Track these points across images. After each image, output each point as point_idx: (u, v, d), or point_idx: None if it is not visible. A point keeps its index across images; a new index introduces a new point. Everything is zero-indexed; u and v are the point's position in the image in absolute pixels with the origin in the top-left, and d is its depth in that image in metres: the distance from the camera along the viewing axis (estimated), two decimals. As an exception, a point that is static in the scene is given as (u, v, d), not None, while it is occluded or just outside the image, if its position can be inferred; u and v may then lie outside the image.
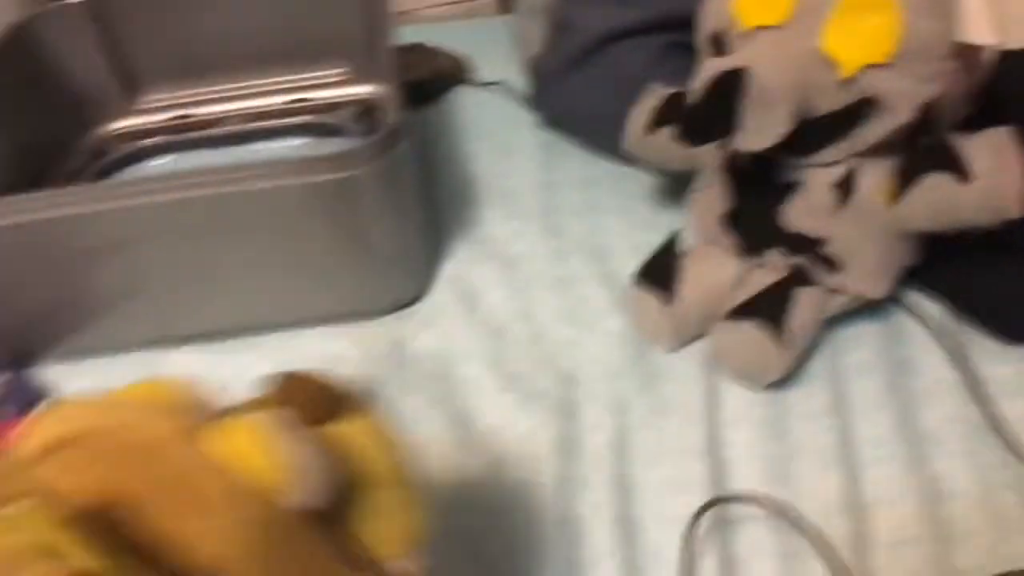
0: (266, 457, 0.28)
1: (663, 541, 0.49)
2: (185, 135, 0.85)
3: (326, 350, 0.62)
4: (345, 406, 0.34)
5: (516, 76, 0.88)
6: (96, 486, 0.27)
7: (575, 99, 0.75)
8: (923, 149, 0.50)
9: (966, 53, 0.49)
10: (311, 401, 0.33)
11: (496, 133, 0.84)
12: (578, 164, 0.78)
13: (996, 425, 0.53)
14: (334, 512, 0.31)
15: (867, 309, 0.60)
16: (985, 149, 0.48)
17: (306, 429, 0.30)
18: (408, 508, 0.33)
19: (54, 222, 0.55)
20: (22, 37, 0.79)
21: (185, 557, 0.26)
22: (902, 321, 0.60)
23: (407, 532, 0.33)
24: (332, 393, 0.34)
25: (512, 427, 0.57)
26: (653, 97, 0.63)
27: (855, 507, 0.50)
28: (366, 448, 0.32)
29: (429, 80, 0.90)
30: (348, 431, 0.33)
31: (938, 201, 0.49)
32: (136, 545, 0.25)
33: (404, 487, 0.33)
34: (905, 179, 0.50)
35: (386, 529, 0.32)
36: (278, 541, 0.28)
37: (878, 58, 0.47)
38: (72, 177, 0.80)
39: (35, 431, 0.29)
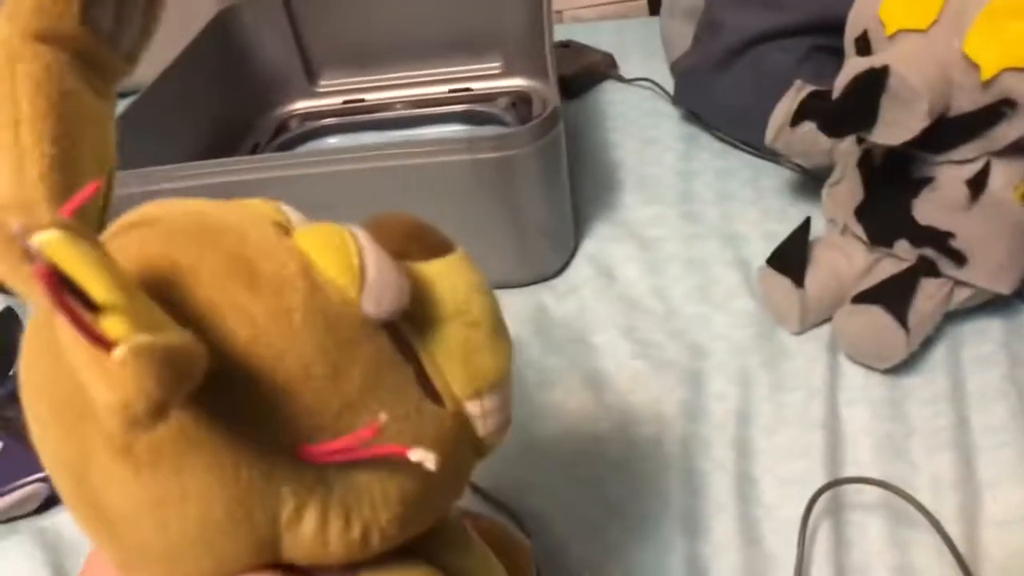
0: (341, 257, 0.27)
1: (778, 501, 0.53)
2: (356, 118, 0.94)
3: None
4: (439, 246, 0.32)
5: (661, 74, 0.93)
6: (159, 257, 0.26)
7: (720, 95, 0.80)
8: (1057, 151, 0.52)
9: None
10: (404, 236, 0.31)
11: (639, 125, 0.89)
12: (715, 155, 0.83)
13: (1118, 424, 0.54)
14: (413, 341, 0.29)
15: (991, 304, 0.62)
16: (1119, 152, 0.50)
17: (387, 251, 0.29)
18: (492, 350, 0.31)
19: (241, 184, 0.64)
20: (222, 24, 0.90)
21: (226, 333, 0.25)
22: (1027, 319, 0.62)
23: (489, 372, 0.31)
24: (426, 232, 0.33)
25: (643, 390, 0.62)
26: (797, 92, 0.67)
27: (966, 486, 0.53)
28: (456, 285, 0.31)
29: (580, 75, 0.96)
30: (438, 267, 0.31)
31: (1069, 200, 0.52)
32: (183, 317, 0.23)
33: (490, 328, 0.32)
34: (1038, 178, 0.53)
35: (468, 367, 0.30)
36: (340, 341, 0.26)
37: (1017, 62, 0.49)
38: (255, 151, 0.90)
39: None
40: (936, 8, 0.52)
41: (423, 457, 0.26)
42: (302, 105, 0.96)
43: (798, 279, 0.61)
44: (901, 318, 0.56)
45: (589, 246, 0.75)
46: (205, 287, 0.25)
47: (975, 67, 0.50)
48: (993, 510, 0.51)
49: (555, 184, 0.69)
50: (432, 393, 0.30)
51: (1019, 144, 0.53)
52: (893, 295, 0.57)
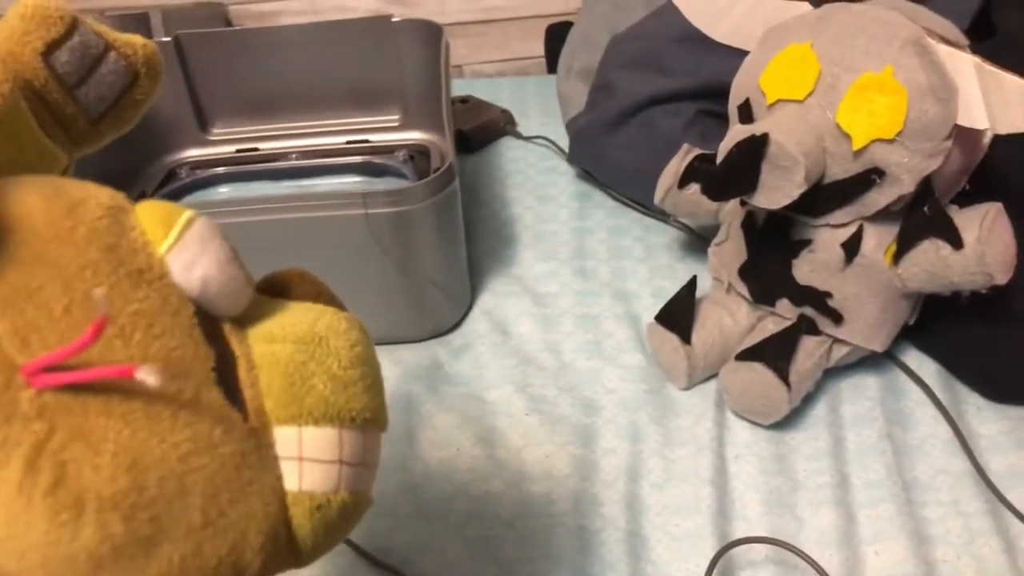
0: (163, 216, 0.28)
1: (669, 558, 0.54)
2: (249, 167, 0.92)
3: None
4: (326, 298, 0.33)
5: (559, 131, 0.94)
6: None
7: (612, 155, 0.82)
8: (922, 217, 0.55)
9: (966, 135, 0.54)
10: (288, 279, 0.32)
11: (536, 182, 0.90)
12: (608, 213, 0.84)
13: (983, 477, 0.57)
14: (231, 336, 0.29)
15: (869, 362, 0.65)
16: (976, 221, 0.53)
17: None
18: (333, 389, 0.29)
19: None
20: (111, 68, 0.87)
21: (12, 217, 0.26)
22: (900, 376, 0.65)
23: (316, 406, 0.29)
24: (316, 284, 0.33)
25: (535, 447, 0.62)
26: (684, 155, 0.69)
27: (850, 541, 0.54)
28: (318, 321, 0.30)
29: (478, 130, 0.97)
30: (308, 305, 0.31)
31: (933, 264, 0.54)
32: None
33: (342, 372, 0.30)
34: (905, 242, 0.55)
35: (292, 387, 0.29)
36: (123, 271, 0.27)
37: (885, 134, 0.52)
38: (141, 199, 0.87)
39: None
40: (811, 80, 0.55)
41: (148, 375, 0.24)
42: (193, 153, 0.94)
43: (685, 336, 0.63)
44: (783, 375, 0.58)
45: (485, 301, 0.75)
46: (7, 194, 0.26)
47: (847, 137, 0.53)
48: (875, 564, 0.53)
49: (451, 239, 0.69)
50: (233, 396, 0.28)
51: (889, 210, 0.56)
52: (775, 352, 0.59)
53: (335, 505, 0.29)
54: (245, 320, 0.31)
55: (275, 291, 0.33)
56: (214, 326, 0.29)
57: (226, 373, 0.28)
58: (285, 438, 0.29)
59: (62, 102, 0.28)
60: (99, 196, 0.28)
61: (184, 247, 0.28)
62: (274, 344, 0.29)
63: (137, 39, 0.32)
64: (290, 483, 0.29)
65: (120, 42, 0.30)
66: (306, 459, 0.29)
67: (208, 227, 0.29)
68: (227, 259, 0.29)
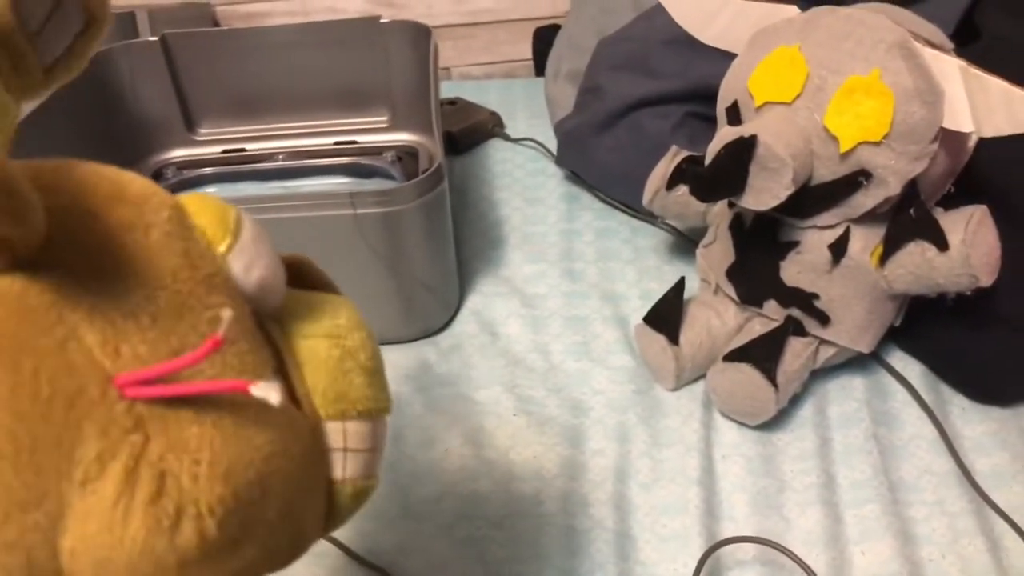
0: (217, 214, 0.28)
1: (657, 558, 0.54)
2: (236, 167, 0.91)
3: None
4: (328, 286, 0.34)
5: (546, 133, 0.95)
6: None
7: (600, 157, 0.82)
8: (909, 219, 0.55)
9: (951, 138, 0.55)
10: (295, 266, 0.32)
11: (524, 183, 0.90)
12: (596, 215, 0.85)
13: (968, 478, 0.58)
14: (277, 338, 0.29)
15: (855, 364, 0.65)
16: (961, 223, 0.54)
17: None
18: (367, 383, 0.31)
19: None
20: (97, 67, 0.86)
21: (79, 226, 0.25)
22: (886, 377, 0.66)
23: (359, 400, 0.30)
24: (318, 273, 0.34)
25: (523, 447, 0.62)
26: (672, 157, 0.70)
27: (836, 540, 0.55)
28: (338, 314, 0.31)
29: (466, 132, 0.97)
30: (322, 296, 0.32)
31: (919, 266, 0.55)
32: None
33: (367, 363, 0.31)
34: (891, 244, 0.56)
35: (336, 383, 0.30)
36: (198, 275, 0.26)
37: (872, 137, 0.53)
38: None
39: None
40: (800, 83, 0.55)
41: (267, 393, 0.24)
42: (180, 153, 0.93)
43: (673, 337, 0.63)
44: (770, 375, 0.58)
45: (473, 302, 0.75)
46: (72, 192, 0.25)
47: (834, 139, 0.54)
48: (862, 563, 0.53)
49: (439, 240, 0.69)
50: (291, 394, 0.29)
51: (875, 212, 0.56)
52: (762, 353, 0.59)
53: (368, 488, 0.31)
54: (277, 315, 0.30)
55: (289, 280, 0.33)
56: (262, 324, 0.29)
57: (281, 372, 0.29)
58: (333, 432, 0.30)
59: (24, 50, 0.27)
60: (155, 191, 0.27)
61: (242, 249, 0.28)
62: (310, 339, 0.30)
63: None
64: (336, 472, 0.30)
65: None
66: (349, 450, 0.30)
67: (256, 225, 0.29)
68: (276, 257, 0.29)
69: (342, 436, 0.30)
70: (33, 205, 0.22)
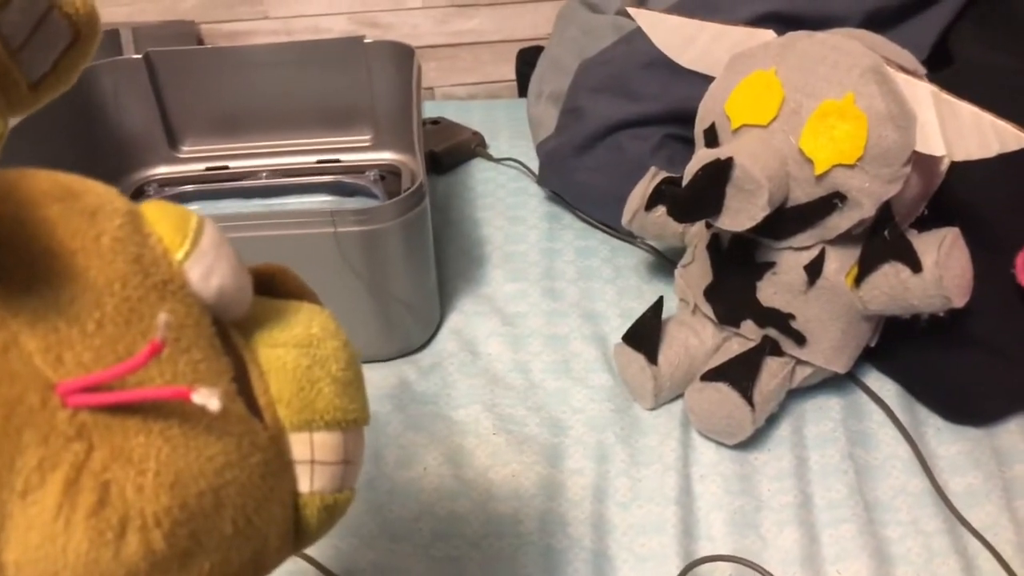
0: (175, 221, 0.27)
1: (633, 577, 0.54)
2: (218, 185, 0.91)
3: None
4: (306, 295, 0.33)
5: (529, 154, 0.95)
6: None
7: (581, 177, 0.83)
8: (883, 241, 0.56)
9: (924, 161, 0.56)
10: (271, 274, 0.32)
11: (506, 203, 0.91)
12: (577, 235, 0.85)
13: (942, 497, 0.58)
14: (240, 346, 0.29)
15: (831, 384, 0.66)
16: (935, 245, 0.55)
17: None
18: (336, 392, 0.30)
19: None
20: (81, 83, 0.86)
21: (26, 230, 0.25)
22: (862, 397, 0.66)
23: (326, 410, 0.30)
24: (297, 281, 0.33)
25: (502, 466, 0.62)
26: (651, 178, 0.70)
27: (812, 560, 0.55)
28: (311, 322, 0.31)
29: (450, 151, 0.97)
30: (296, 305, 0.31)
31: (893, 287, 0.56)
32: None
33: (339, 373, 0.31)
34: (866, 266, 0.57)
35: (302, 393, 0.29)
36: (149, 282, 0.26)
37: (846, 159, 0.54)
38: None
39: None
40: (775, 106, 0.56)
41: (207, 399, 0.23)
42: (162, 170, 0.93)
43: (651, 356, 0.63)
44: (747, 395, 0.59)
45: (454, 320, 0.75)
46: (19, 200, 0.25)
47: (809, 162, 0.54)
48: (836, 584, 0.54)
49: (420, 259, 0.69)
50: (251, 404, 0.28)
51: (850, 233, 0.57)
52: (739, 373, 0.60)
53: (340, 502, 0.30)
54: (245, 323, 0.30)
55: (260, 288, 0.33)
56: (224, 333, 0.28)
57: (242, 382, 0.28)
58: (298, 443, 0.29)
59: (5, 64, 0.27)
60: (111, 199, 0.27)
61: (201, 255, 0.27)
62: (277, 348, 0.29)
63: None
64: (302, 485, 0.29)
65: (61, 1, 0.29)
66: (317, 462, 0.29)
67: (217, 231, 0.28)
68: (238, 265, 0.28)
69: (309, 447, 0.29)
70: None
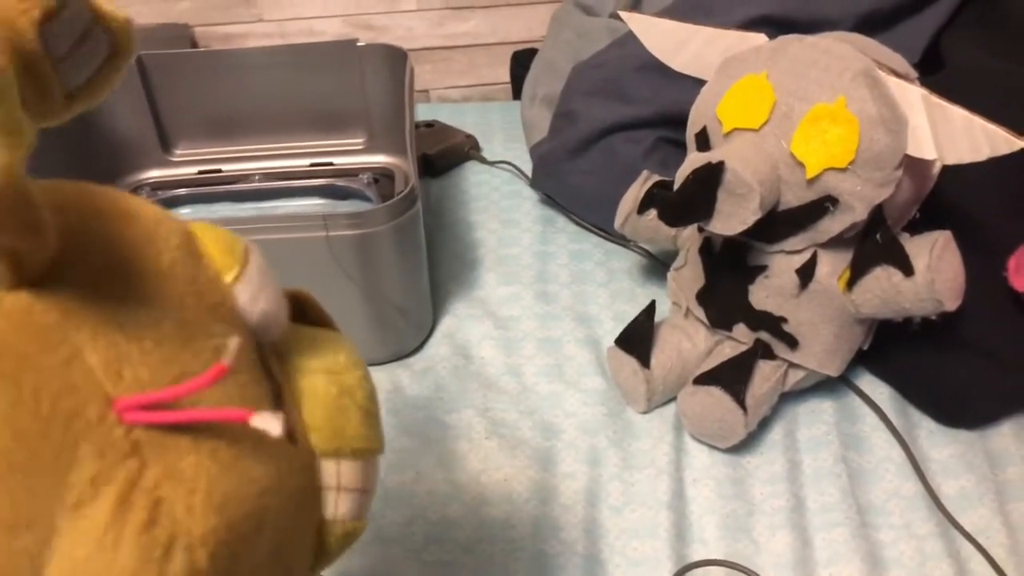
0: (226, 244, 0.28)
1: (625, 581, 0.54)
2: (211, 188, 0.91)
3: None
4: (327, 323, 0.34)
5: (522, 157, 0.95)
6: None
7: (574, 181, 0.83)
8: (875, 244, 0.56)
9: (916, 165, 0.56)
10: (296, 300, 0.32)
11: (499, 206, 0.91)
12: (570, 238, 0.85)
13: (935, 501, 0.58)
14: (277, 372, 0.29)
15: (824, 387, 0.66)
16: (926, 248, 0.55)
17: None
18: (362, 423, 0.31)
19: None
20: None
21: (89, 248, 0.25)
22: (855, 400, 0.66)
23: (355, 440, 0.30)
24: (319, 309, 0.34)
25: (495, 470, 0.62)
26: (644, 181, 0.70)
27: (805, 563, 0.55)
28: (338, 352, 0.31)
29: (443, 154, 0.97)
30: (324, 333, 0.32)
31: (885, 290, 0.56)
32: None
33: (364, 404, 0.31)
34: (858, 269, 0.57)
35: (332, 420, 0.29)
36: (204, 303, 0.26)
37: (838, 163, 0.54)
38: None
39: None
40: (767, 110, 0.56)
41: (268, 424, 0.23)
42: (155, 174, 0.93)
43: (644, 360, 0.63)
44: (739, 399, 0.59)
45: (447, 324, 0.75)
46: (84, 213, 0.25)
47: (801, 166, 0.54)
48: (829, 588, 0.54)
49: (413, 262, 0.69)
50: (288, 430, 0.28)
51: (842, 237, 0.57)
52: (732, 376, 0.59)
53: (357, 530, 0.31)
54: (278, 348, 0.30)
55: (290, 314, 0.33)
56: (263, 357, 0.29)
57: (279, 406, 0.28)
58: (327, 469, 0.29)
59: (48, 75, 0.27)
60: (167, 218, 0.27)
61: (249, 279, 0.28)
62: (309, 375, 0.30)
63: (119, 13, 0.31)
64: (328, 511, 0.30)
65: (104, 15, 0.30)
66: (343, 488, 0.30)
67: (262, 258, 0.29)
68: (279, 291, 0.29)
69: (336, 474, 0.30)
70: (45, 222, 0.22)
